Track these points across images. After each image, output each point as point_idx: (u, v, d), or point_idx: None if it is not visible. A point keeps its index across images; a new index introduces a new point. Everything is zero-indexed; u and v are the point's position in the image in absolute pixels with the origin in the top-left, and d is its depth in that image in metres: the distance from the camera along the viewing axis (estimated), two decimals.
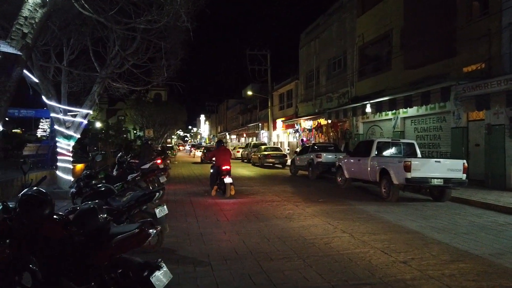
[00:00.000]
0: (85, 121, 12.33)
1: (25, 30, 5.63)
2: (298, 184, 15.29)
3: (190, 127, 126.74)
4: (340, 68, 24.69)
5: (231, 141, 65.17)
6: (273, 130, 40.12)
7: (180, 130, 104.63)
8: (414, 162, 9.86)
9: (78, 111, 12.06)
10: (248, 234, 6.76)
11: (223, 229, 7.19)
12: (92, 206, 3.39)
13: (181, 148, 78.02)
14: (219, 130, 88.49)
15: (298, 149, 23.63)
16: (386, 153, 11.88)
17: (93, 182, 6.08)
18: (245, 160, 32.84)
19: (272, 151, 25.85)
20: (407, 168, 9.78)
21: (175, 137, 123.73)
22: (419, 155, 11.86)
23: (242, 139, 57.88)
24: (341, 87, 23.91)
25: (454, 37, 14.40)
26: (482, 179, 13.12)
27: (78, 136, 12.19)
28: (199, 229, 7.22)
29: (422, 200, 10.98)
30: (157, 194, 5.58)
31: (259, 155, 25.82)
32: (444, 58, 14.76)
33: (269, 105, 33.64)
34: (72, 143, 11.98)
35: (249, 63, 32.76)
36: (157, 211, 5.41)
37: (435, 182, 9.85)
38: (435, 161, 10.06)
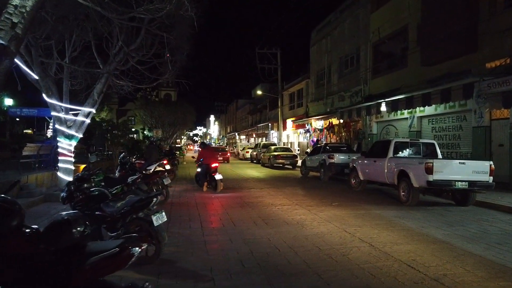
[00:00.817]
0: (88, 120, 11.85)
1: (15, 20, 5.12)
2: (310, 186, 14.62)
3: (200, 127, 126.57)
4: (353, 66, 23.92)
5: (240, 142, 64.64)
6: (283, 130, 39.47)
7: (190, 130, 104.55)
8: (437, 163, 9.14)
9: (79, 110, 11.58)
10: (257, 243, 6.14)
11: (229, 236, 6.58)
12: (66, 217, 2.80)
13: (191, 148, 77.87)
14: (228, 131, 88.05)
15: (308, 150, 22.93)
16: (405, 154, 11.16)
17: (85, 185, 5.50)
18: (255, 161, 32.26)
19: (282, 151, 25.18)
20: (429, 170, 9.07)
21: (185, 137, 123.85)
22: (439, 156, 11.11)
23: (252, 140, 57.29)
24: (354, 86, 23.14)
25: (476, 32, 13.59)
26: (507, 181, 12.31)
27: (80, 135, 11.71)
28: (203, 236, 6.63)
29: (444, 205, 10.24)
30: (155, 199, 4.99)
31: (268, 156, 25.18)
32: (464, 54, 13.95)
33: (279, 104, 32.99)
34: (74, 143, 11.50)
35: (259, 62, 32.12)
36: (154, 218, 4.81)
37: (460, 185, 9.11)
38: (459, 163, 9.31)
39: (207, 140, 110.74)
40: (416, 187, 9.50)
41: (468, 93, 11.71)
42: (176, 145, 44.10)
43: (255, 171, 22.06)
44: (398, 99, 15.45)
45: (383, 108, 16.40)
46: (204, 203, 10.32)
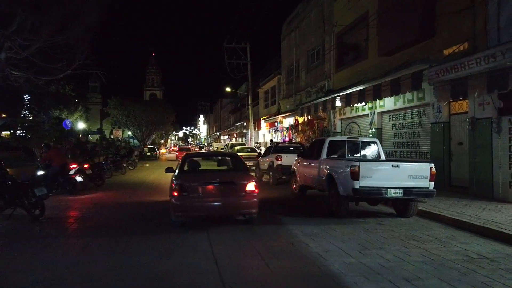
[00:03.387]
0: None
1: None
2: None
3: (187, 128, 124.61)
4: (319, 60, 22.24)
5: (224, 142, 62.72)
6: (259, 130, 37.86)
7: (174, 130, 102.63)
8: (364, 166, 7.45)
9: None
10: None
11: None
12: None
13: (173, 148, 75.88)
14: (214, 130, 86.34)
15: (261, 150, 21.13)
16: (343, 154, 9.48)
17: None
18: None
19: (245, 152, 23.43)
20: (354, 175, 7.39)
21: (174, 138, 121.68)
22: (382, 157, 9.42)
23: (233, 140, 55.53)
24: (319, 80, 21.45)
25: (434, 15, 11.95)
26: (466, 185, 10.69)
27: None
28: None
29: (383, 215, 8.57)
30: None
31: None
32: (421, 41, 12.30)
33: (249, 102, 31.32)
34: None
35: (229, 57, 30.37)
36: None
37: (392, 193, 7.43)
38: (393, 166, 7.61)
39: (198, 141, 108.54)
40: (343, 195, 7.81)
41: (417, 83, 10.04)
42: (149, 146, 42.16)
43: None
44: (351, 93, 13.78)
45: (338, 103, 14.73)
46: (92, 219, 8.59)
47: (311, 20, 23.17)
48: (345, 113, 18.23)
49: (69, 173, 12.20)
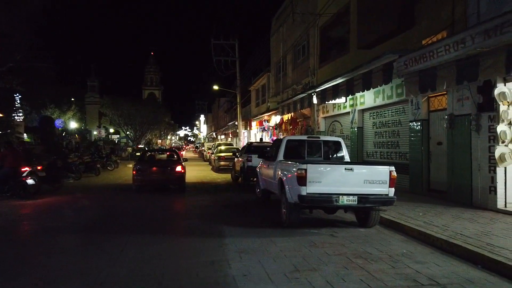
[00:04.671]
0: None
1: None
2: (221, 197, 12.01)
3: (185, 127, 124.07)
4: (304, 55, 21.21)
5: (221, 141, 61.75)
6: (250, 129, 36.96)
7: (173, 130, 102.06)
8: (312, 170, 6.45)
9: None
10: None
11: None
12: None
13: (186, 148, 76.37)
14: (212, 130, 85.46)
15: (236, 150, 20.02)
16: (301, 156, 8.46)
17: None
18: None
19: (226, 153, 22.41)
20: (301, 180, 6.39)
21: (175, 138, 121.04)
22: (346, 158, 8.40)
23: (229, 139, 54.53)
24: (305, 77, 20.42)
25: (413, 3, 10.92)
26: (444, 189, 9.66)
27: None
28: None
29: (342, 225, 7.56)
30: None
31: (214, 158, 22.50)
32: (400, 32, 11.29)
33: (238, 100, 30.27)
34: None
35: (219, 55, 29.36)
36: None
37: (345, 201, 6.42)
38: (346, 169, 6.59)
39: (198, 140, 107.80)
40: (291, 202, 6.81)
41: (388, 76, 9.00)
42: (139, 146, 41.29)
43: (191, 176, 19.36)
44: (325, 88, 12.77)
45: (314, 100, 13.73)
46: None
47: (296, 14, 22.13)
48: (327, 111, 17.20)
49: (22, 176, 11.36)
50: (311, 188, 6.39)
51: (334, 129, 17.12)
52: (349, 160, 8.30)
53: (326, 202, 6.47)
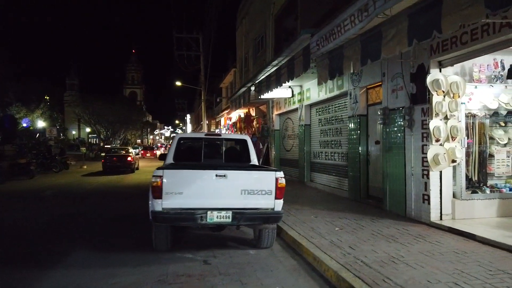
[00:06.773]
0: None
1: None
2: (128, 206, 10.40)
3: (168, 127, 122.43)
4: (262, 48, 19.70)
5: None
6: (220, 128, 35.44)
7: (153, 129, 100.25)
8: (170, 176, 4.92)
9: None
10: None
11: None
12: None
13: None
14: (194, 129, 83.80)
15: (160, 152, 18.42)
16: (198, 158, 6.90)
17: None
18: None
19: None
20: (156, 191, 4.86)
21: (158, 137, 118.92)
22: (254, 161, 6.86)
23: None
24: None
25: None
26: (381, 196, 8.20)
27: None
28: None
29: (235, 245, 6.03)
30: None
31: None
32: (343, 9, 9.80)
33: (202, 98, 28.64)
34: None
35: (176, 48, 27.57)
36: None
37: (215, 218, 4.90)
38: (217, 176, 5.05)
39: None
40: (151, 220, 5.24)
41: (306, 61, 7.50)
42: (105, 146, 39.44)
43: (132, 178, 17.72)
44: (260, 80, 11.28)
45: (252, 92, 12.23)
46: None
47: (257, 4, 20.64)
48: (280, 108, 15.72)
49: None
50: (169, 202, 4.85)
51: (287, 127, 15.64)
52: (256, 164, 6.80)
53: (188, 220, 4.92)
